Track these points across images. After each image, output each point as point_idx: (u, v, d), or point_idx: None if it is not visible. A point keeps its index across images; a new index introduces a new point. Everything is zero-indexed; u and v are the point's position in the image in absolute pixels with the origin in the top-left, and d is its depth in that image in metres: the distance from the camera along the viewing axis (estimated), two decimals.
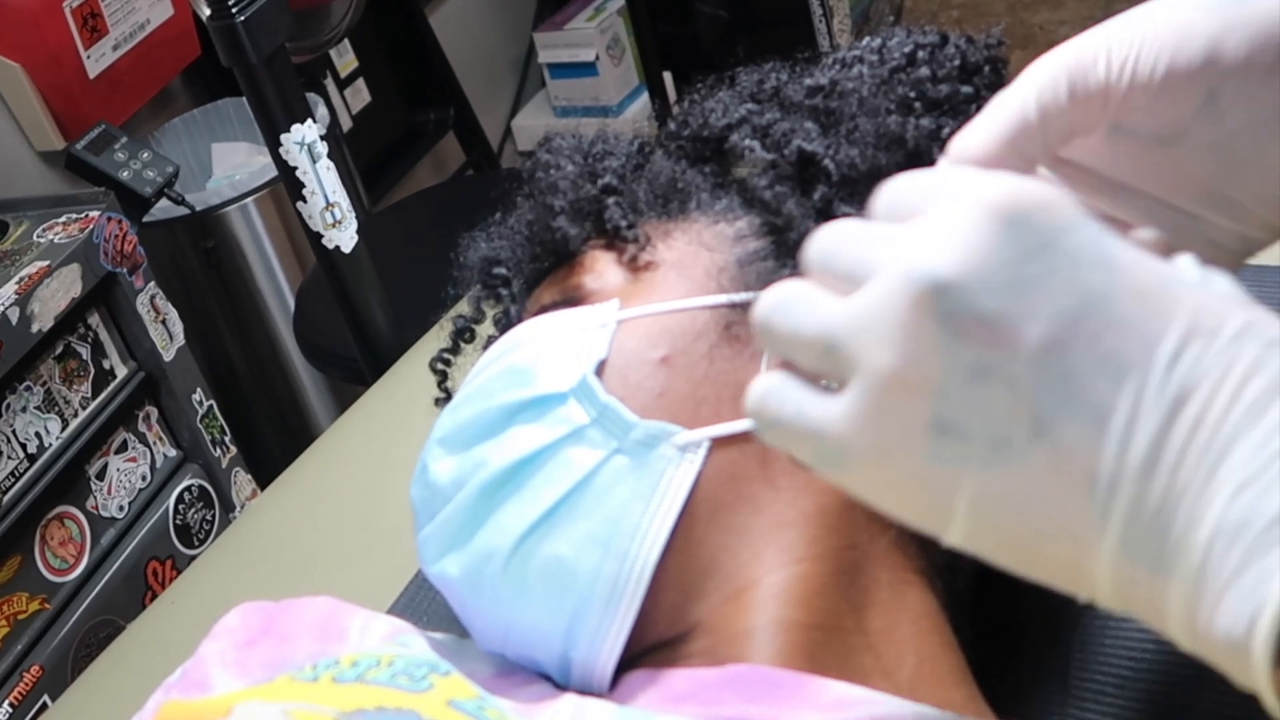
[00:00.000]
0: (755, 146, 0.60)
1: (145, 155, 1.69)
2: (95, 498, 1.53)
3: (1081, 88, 0.44)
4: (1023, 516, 0.35)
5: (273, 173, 1.86)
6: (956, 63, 0.60)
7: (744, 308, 0.56)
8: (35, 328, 1.38)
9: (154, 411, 1.63)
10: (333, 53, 2.31)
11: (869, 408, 0.36)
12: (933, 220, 0.36)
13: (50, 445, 1.47)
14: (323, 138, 1.16)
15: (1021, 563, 0.37)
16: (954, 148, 0.45)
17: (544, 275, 0.64)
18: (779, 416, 0.39)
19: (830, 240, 0.39)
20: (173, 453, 1.65)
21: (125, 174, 1.66)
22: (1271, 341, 0.33)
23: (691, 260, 0.59)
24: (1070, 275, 0.34)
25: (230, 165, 2.05)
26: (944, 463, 0.35)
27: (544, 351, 0.55)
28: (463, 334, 0.71)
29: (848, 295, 0.37)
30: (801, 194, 0.58)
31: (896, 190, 0.38)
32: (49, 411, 1.47)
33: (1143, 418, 0.33)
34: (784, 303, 0.39)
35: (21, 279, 1.39)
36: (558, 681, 0.54)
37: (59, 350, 1.49)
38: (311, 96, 1.90)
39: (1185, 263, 0.36)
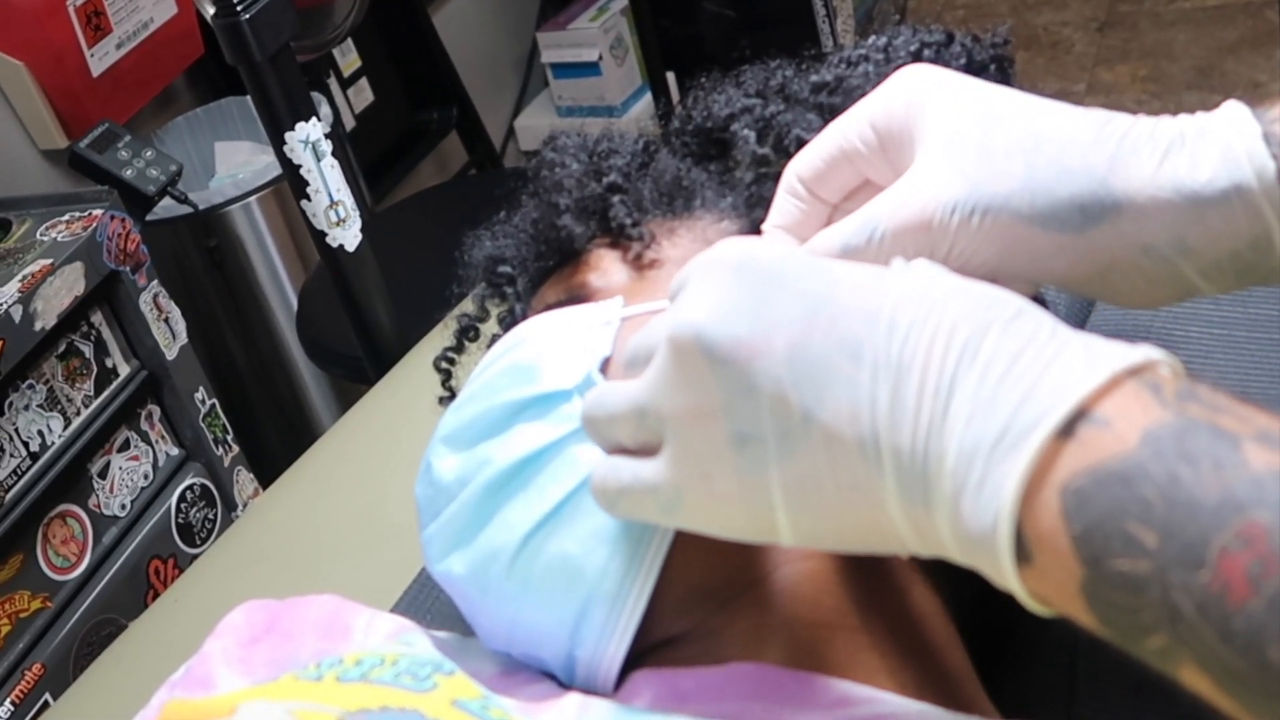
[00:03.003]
0: (750, 137, 0.60)
1: (148, 154, 1.69)
2: (97, 496, 1.53)
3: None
4: (824, 493, 0.40)
5: (276, 171, 1.86)
6: (962, 61, 0.60)
7: None
8: (38, 326, 1.38)
9: (156, 410, 1.63)
10: (336, 52, 2.31)
11: (682, 447, 0.43)
12: (682, 293, 0.44)
13: (53, 444, 1.47)
14: (326, 136, 1.16)
15: (843, 539, 0.41)
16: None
17: (549, 273, 0.64)
18: (620, 486, 0.45)
19: (630, 341, 0.47)
20: (175, 451, 1.65)
21: (128, 172, 1.65)
22: (978, 296, 0.39)
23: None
24: (796, 289, 0.41)
25: (233, 164, 2.05)
26: (751, 469, 0.41)
27: (548, 349, 0.55)
28: (467, 332, 0.71)
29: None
30: None
31: (674, 280, 0.46)
32: (51, 410, 1.47)
33: (880, 378, 0.38)
34: (598, 396, 0.47)
35: (24, 277, 1.38)
36: (563, 680, 0.54)
37: (61, 348, 1.49)
38: (315, 95, 1.90)
39: (896, 262, 0.43)
